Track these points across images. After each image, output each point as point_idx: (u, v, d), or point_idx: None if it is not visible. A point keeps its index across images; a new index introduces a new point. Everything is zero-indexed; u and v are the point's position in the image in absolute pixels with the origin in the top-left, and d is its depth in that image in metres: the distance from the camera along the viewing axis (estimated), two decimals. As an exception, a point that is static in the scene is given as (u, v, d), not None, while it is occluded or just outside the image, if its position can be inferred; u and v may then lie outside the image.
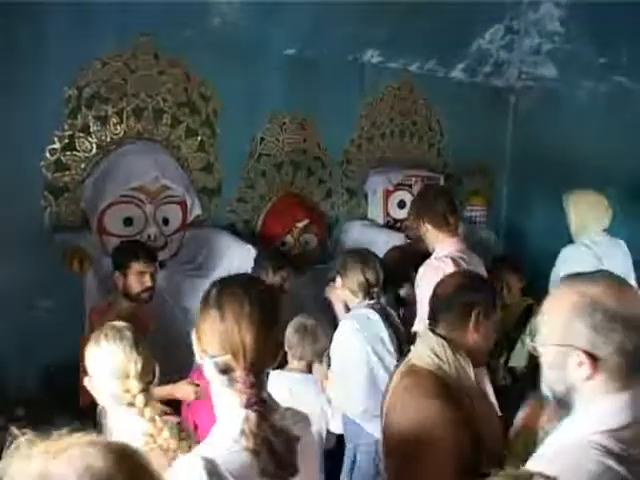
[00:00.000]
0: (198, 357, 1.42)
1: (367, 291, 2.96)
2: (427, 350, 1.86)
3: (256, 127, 4.13)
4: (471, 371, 1.82)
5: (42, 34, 3.27)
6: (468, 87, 5.06)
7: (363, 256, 3.04)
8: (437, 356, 1.83)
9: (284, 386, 2.70)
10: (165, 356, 3.11)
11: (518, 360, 3.74)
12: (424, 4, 4.45)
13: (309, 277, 4.10)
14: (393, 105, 4.76)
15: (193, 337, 1.43)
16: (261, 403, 1.35)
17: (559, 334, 1.30)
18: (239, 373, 1.35)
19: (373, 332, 2.85)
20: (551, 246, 3.92)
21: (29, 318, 3.31)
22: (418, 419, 1.73)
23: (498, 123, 5.37)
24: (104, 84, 3.50)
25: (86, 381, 1.95)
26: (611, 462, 1.19)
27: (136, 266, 2.99)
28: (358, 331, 2.82)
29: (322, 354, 2.93)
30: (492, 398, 2.11)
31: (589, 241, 3.71)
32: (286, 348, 2.87)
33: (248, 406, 1.34)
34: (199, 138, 3.89)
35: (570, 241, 3.82)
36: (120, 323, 2.01)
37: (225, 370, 1.36)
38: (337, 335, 2.86)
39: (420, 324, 2.65)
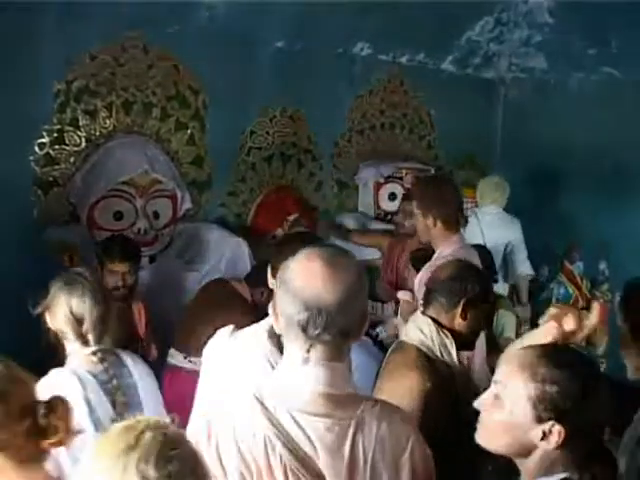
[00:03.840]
0: None
1: None
2: (415, 328, 2.06)
3: (246, 120, 4.12)
4: (453, 349, 2.00)
5: (31, 28, 3.26)
6: (458, 79, 5.05)
7: None
8: (422, 332, 2.03)
9: None
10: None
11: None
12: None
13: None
14: (383, 97, 4.75)
15: None
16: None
17: None
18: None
19: None
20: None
21: (19, 313, 3.29)
22: (395, 387, 1.92)
23: (488, 115, 5.37)
24: (93, 78, 3.49)
25: None
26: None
27: (109, 265, 3.01)
28: None
29: None
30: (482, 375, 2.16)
31: (480, 214, 4.42)
32: None
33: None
34: (189, 131, 3.88)
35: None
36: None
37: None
38: None
39: None
